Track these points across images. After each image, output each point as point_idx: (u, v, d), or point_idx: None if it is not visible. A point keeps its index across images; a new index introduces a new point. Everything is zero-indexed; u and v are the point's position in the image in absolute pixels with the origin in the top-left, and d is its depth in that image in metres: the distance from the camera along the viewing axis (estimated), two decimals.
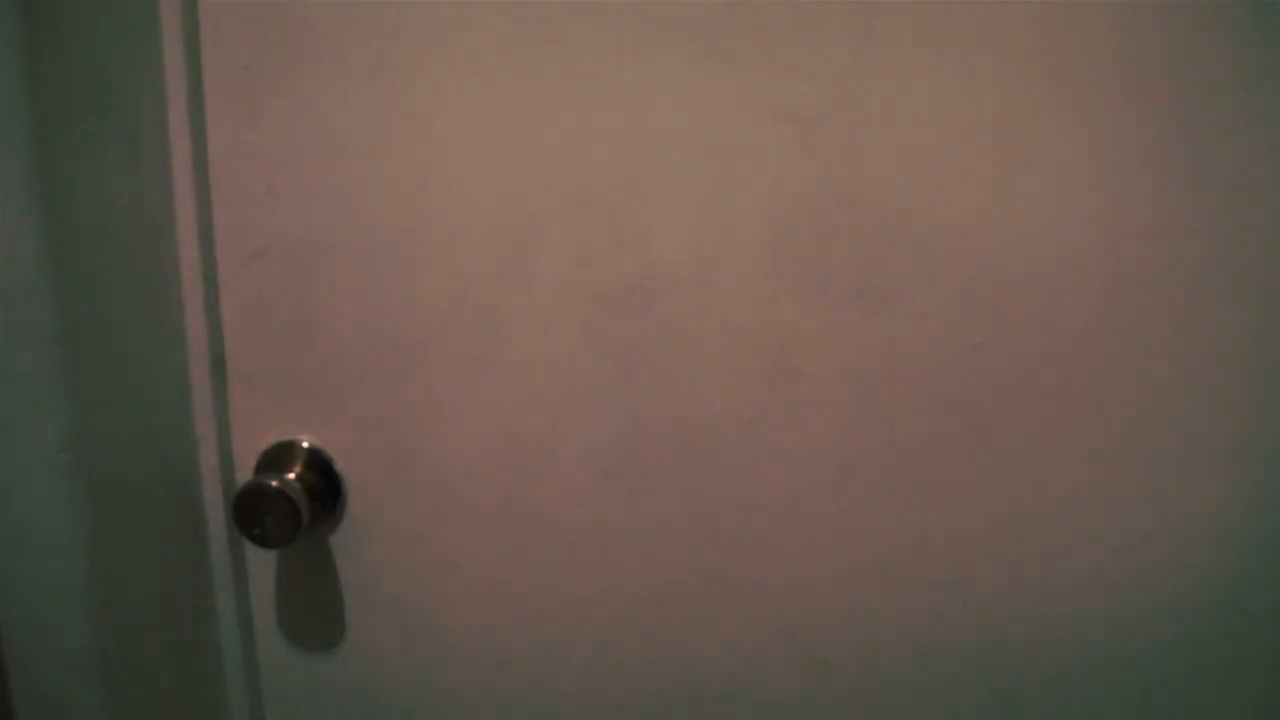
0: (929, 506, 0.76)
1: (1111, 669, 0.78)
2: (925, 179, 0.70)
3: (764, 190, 0.71)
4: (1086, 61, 0.68)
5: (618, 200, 0.72)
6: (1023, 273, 0.71)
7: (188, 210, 0.73)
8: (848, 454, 0.75)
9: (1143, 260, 0.71)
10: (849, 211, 0.71)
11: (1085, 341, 0.72)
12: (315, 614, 0.82)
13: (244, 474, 0.79)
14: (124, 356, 0.69)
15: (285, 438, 0.78)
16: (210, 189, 0.74)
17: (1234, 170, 0.69)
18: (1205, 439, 0.73)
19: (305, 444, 0.78)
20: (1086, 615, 0.77)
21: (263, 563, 0.82)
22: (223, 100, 0.72)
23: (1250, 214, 0.69)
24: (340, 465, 0.78)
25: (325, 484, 0.78)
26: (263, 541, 0.73)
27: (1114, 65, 0.68)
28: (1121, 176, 0.69)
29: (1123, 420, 0.73)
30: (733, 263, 0.72)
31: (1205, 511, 0.75)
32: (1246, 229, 0.70)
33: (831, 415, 0.75)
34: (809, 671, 0.80)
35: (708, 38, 0.69)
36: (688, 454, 0.76)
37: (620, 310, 0.74)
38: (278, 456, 0.78)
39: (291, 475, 0.75)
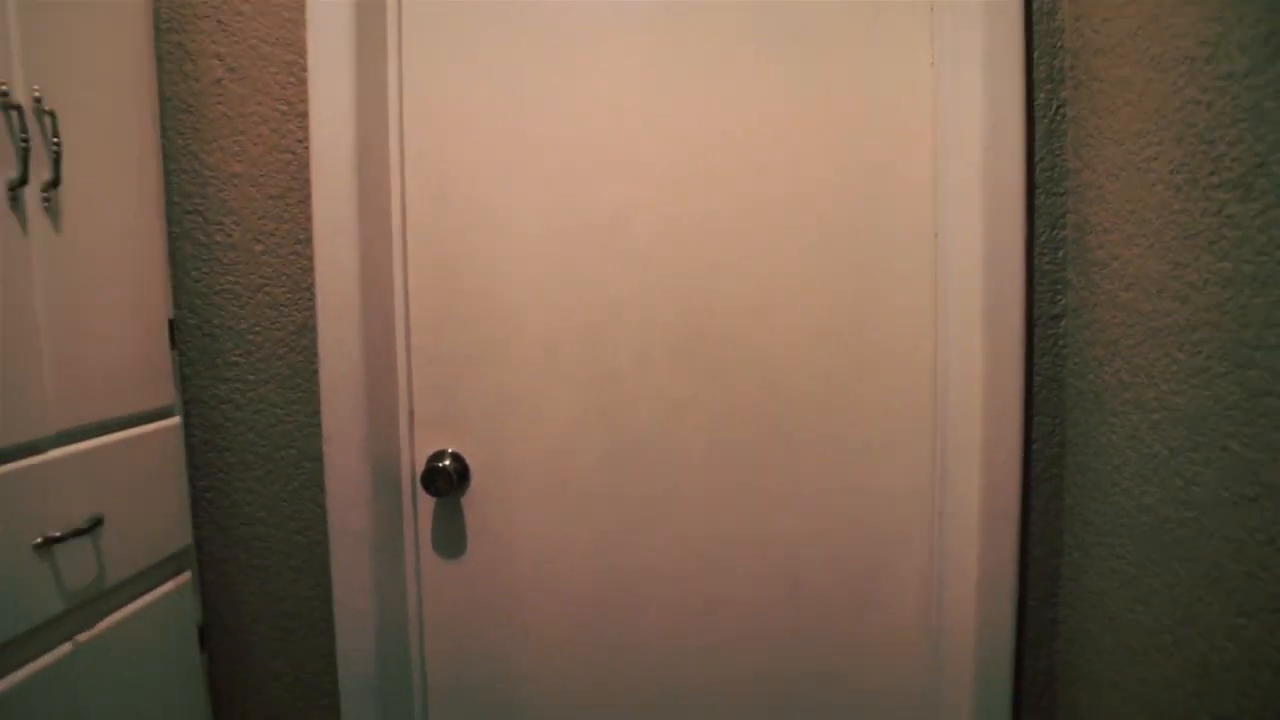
0: (746, 468, 1.58)
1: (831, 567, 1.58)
2: (742, 320, 1.54)
3: (663, 327, 1.56)
4: (805, 243, 1.52)
5: (595, 339, 1.57)
6: (784, 363, 1.54)
7: (404, 352, 1.59)
8: (706, 445, 1.58)
9: (842, 354, 1.53)
10: (704, 336, 1.55)
11: (808, 396, 1.55)
12: (453, 538, 1.65)
13: (420, 465, 1.63)
14: (377, 411, 1.54)
15: (442, 448, 1.63)
16: (411, 342, 1.60)
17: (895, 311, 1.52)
18: (873, 438, 1.55)
19: (451, 450, 1.62)
20: (821, 522, 1.58)
21: (427, 509, 1.65)
22: (417, 294, 1.60)
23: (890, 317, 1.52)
24: (469, 461, 1.62)
25: (461, 469, 1.62)
26: (435, 493, 1.57)
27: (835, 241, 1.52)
28: (837, 319, 1.53)
29: (835, 432, 1.55)
30: (651, 364, 1.57)
31: (875, 481, 1.56)
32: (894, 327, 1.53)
33: (699, 427, 1.57)
34: (701, 553, 1.61)
35: (618, 245, 1.55)
36: (637, 453, 1.59)
37: (601, 388, 1.58)
38: (436, 458, 1.62)
39: (446, 463, 1.60)
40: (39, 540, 1.17)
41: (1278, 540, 0.92)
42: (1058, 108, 1.40)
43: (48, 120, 1.20)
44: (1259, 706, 0.95)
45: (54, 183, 1.21)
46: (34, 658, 1.18)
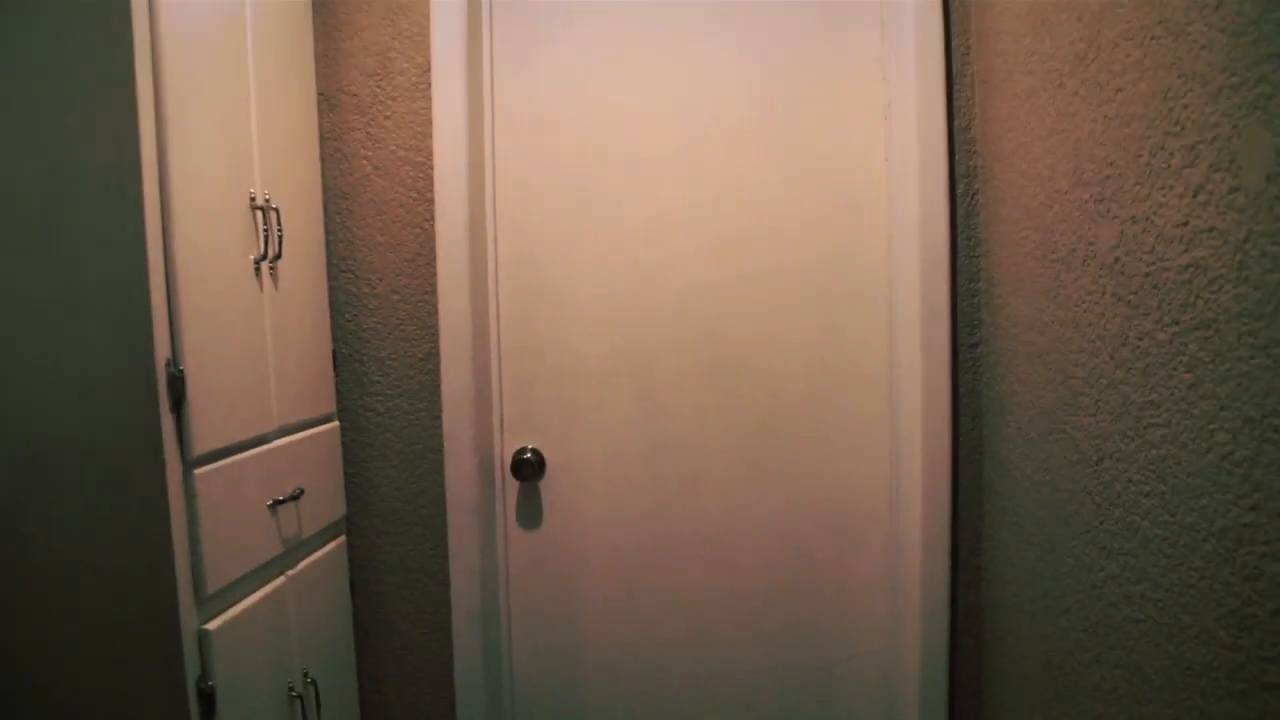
0: (752, 460, 2.12)
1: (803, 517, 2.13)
2: (748, 350, 2.10)
3: (690, 355, 2.11)
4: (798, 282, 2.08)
5: (639, 364, 2.12)
6: (780, 382, 2.09)
7: (497, 373, 2.15)
8: (723, 443, 2.13)
9: (824, 375, 2.08)
10: (720, 362, 2.11)
11: (798, 406, 2.10)
12: (532, 513, 2.20)
13: (508, 458, 2.18)
14: (480, 417, 2.10)
15: (524, 445, 2.18)
16: (503, 367, 2.16)
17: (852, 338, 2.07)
18: (846, 436, 2.10)
19: (531, 446, 2.17)
20: (808, 498, 2.12)
21: (514, 491, 2.20)
22: (508, 329, 2.15)
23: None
24: (545, 455, 2.17)
25: (540, 461, 2.17)
26: (520, 479, 2.12)
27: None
28: (820, 350, 2.08)
29: (819, 433, 2.10)
30: (681, 383, 2.12)
31: (848, 467, 2.10)
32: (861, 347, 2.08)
33: (717, 429, 2.12)
34: (719, 524, 2.15)
35: (656, 295, 2.10)
36: (671, 449, 2.14)
37: (644, 401, 2.13)
38: (521, 452, 2.17)
39: (529, 456, 2.15)
40: (270, 501, 1.73)
41: (1089, 488, 1.46)
42: (973, 195, 1.96)
43: (273, 214, 1.77)
44: (1085, 598, 1.49)
45: (278, 256, 1.77)
46: (265, 584, 1.73)
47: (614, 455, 2.16)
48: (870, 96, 2.05)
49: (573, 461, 2.17)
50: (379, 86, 2.07)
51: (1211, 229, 1.10)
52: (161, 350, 1.42)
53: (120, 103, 1.36)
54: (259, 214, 1.71)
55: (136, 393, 1.41)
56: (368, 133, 2.07)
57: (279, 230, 1.77)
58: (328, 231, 2.09)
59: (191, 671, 1.47)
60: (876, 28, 2.03)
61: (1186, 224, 1.15)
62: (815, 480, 2.12)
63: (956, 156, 1.96)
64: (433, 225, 2.06)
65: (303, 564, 1.87)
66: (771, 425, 2.12)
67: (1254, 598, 1.04)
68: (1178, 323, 1.18)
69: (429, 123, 2.05)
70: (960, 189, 1.96)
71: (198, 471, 1.49)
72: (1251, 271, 1.02)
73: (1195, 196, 1.13)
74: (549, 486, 2.18)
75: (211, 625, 1.52)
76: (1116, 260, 1.34)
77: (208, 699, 1.50)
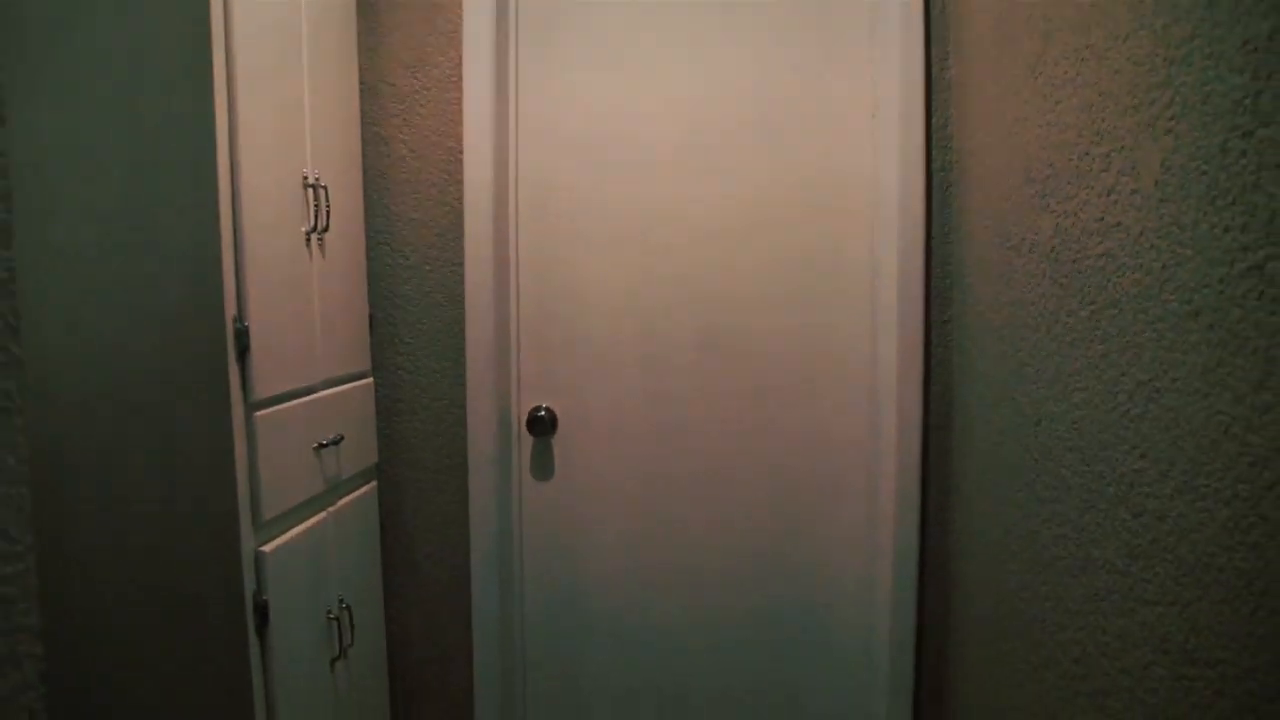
0: (742, 418, 2.35)
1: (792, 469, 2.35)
2: (743, 322, 2.32)
3: (690, 327, 2.33)
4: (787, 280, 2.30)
5: (645, 334, 2.35)
6: (770, 348, 2.32)
7: (516, 338, 2.38)
8: (718, 402, 2.35)
9: (810, 346, 2.30)
10: (716, 332, 2.33)
11: (786, 375, 2.32)
12: (545, 466, 2.43)
13: (524, 415, 2.41)
14: (500, 377, 2.33)
15: (539, 404, 2.41)
16: (521, 334, 2.39)
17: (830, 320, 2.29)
18: (831, 399, 2.32)
19: (545, 405, 2.40)
20: (793, 451, 2.35)
21: (528, 445, 2.43)
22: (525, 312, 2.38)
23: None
24: (558, 413, 2.40)
25: (553, 419, 2.40)
26: (535, 434, 2.35)
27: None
28: (808, 323, 2.30)
29: (805, 394, 2.32)
30: (681, 351, 2.34)
31: (831, 427, 2.33)
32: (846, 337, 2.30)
33: (712, 392, 2.35)
34: (713, 471, 2.38)
35: (661, 275, 2.33)
36: (670, 407, 2.37)
37: (647, 365, 2.36)
38: (536, 410, 2.40)
39: (543, 414, 2.38)
40: (315, 445, 1.96)
41: (1029, 447, 1.68)
42: (947, 188, 2.17)
43: (323, 191, 2.00)
44: (1025, 544, 1.71)
45: (325, 229, 2.00)
46: (309, 517, 1.96)
47: (619, 416, 2.39)
48: (860, 98, 2.26)
49: (582, 420, 2.40)
50: (416, 78, 2.29)
51: (1119, 224, 1.31)
52: (230, 307, 1.65)
53: (199, 90, 1.59)
54: (310, 191, 1.94)
55: (208, 343, 1.64)
56: (405, 119, 2.30)
57: (327, 205, 2.00)
58: (367, 208, 2.32)
59: (249, 586, 1.71)
60: (866, 35, 2.24)
61: (1103, 219, 1.37)
62: (801, 439, 2.35)
63: (934, 152, 2.17)
64: (461, 204, 2.29)
65: (341, 502, 2.11)
66: (763, 389, 2.34)
67: (1139, 530, 1.26)
68: (1094, 303, 1.39)
69: (460, 112, 2.28)
70: (936, 182, 2.17)
71: (258, 414, 1.72)
72: (1144, 259, 1.24)
73: (1109, 196, 1.34)
74: (561, 442, 2.41)
75: (267, 548, 1.76)
76: (1053, 249, 1.56)
77: (262, 611, 1.73)
